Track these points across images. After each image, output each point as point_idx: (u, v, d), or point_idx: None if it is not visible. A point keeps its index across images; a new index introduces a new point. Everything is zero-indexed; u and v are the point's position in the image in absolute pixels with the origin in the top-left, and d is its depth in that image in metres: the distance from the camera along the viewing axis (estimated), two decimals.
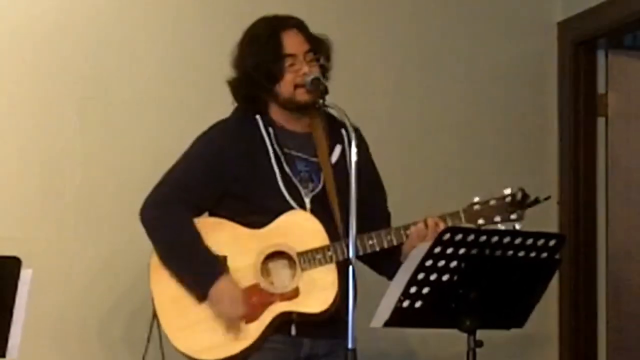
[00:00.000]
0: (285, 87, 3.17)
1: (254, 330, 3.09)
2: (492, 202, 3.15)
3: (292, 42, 3.18)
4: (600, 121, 4.43)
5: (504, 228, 3.14)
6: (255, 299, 3.09)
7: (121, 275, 3.88)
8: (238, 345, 3.08)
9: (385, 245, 3.11)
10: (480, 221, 3.14)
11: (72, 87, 3.93)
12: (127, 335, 3.86)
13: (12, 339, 2.64)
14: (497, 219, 3.14)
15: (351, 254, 2.84)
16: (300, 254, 3.10)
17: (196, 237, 3.14)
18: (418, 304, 2.79)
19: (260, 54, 3.16)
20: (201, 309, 3.11)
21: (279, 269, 3.14)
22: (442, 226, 3.08)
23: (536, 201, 3.15)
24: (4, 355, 2.65)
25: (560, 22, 4.45)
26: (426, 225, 3.09)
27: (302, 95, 3.17)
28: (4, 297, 2.61)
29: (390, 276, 2.86)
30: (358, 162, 2.88)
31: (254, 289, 3.10)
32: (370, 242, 3.10)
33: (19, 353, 2.67)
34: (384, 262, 3.12)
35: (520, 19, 4.42)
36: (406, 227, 3.12)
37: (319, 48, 3.23)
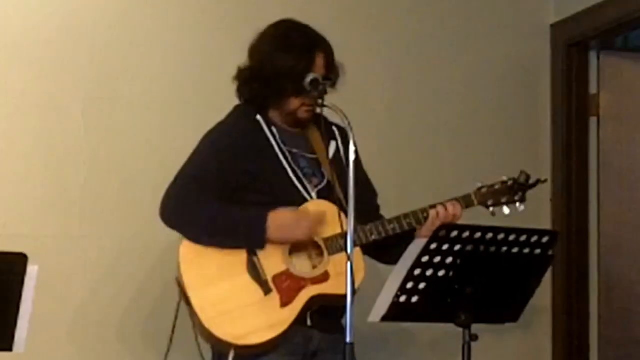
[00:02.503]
0: (293, 103, 3.21)
1: (288, 315, 3.12)
2: (498, 186, 3.27)
3: (319, 65, 3.18)
4: (592, 121, 4.45)
5: (508, 212, 3.24)
6: (287, 285, 3.12)
7: (125, 271, 3.88)
8: (274, 330, 3.11)
9: (406, 228, 3.18)
10: (490, 202, 3.25)
11: (77, 87, 3.94)
12: (135, 330, 3.87)
13: (19, 333, 2.66)
14: (504, 200, 3.25)
15: (349, 250, 2.85)
16: (326, 240, 3.15)
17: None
18: (415, 299, 2.82)
19: (295, 63, 3.15)
20: (237, 296, 3.12)
21: (302, 256, 3.17)
22: (458, 207, 3.19)
23: (537, 182, 3.28)
24: (11, 349, 2.66)
25: (553, 24, 4.48)
26: (445, 208, 3.18)
27: (303, 113, 3.22)
28: (12, 293, 2.63)
29: None
30: (346, 161, 2.89)
31: (285, 274, 3.14)
32: (392, 225, 3.17)
33: (26, 348, 2.68)
34: (394, 250, 3.11)
35: (514, 21, 4.44)
36: (423, 210, 3.19)
37: (333, 76, 3.23)
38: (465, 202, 3.23)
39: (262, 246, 3.13)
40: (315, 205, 3.19)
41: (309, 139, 3.28)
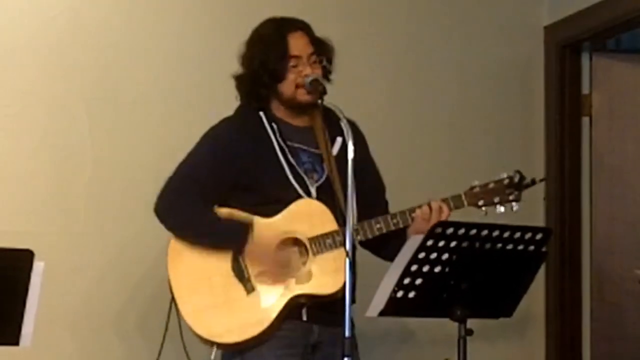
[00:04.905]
0: (287, 87, 3.24)
1: (268, 314, 3.12)
2: (491, 185, 3.23)
3: (297, 44, 3.24)
4: (585, 121, 4.49)
5: (502, 210, 3.20)
6: (270, 284, 3.13)
7: (129, 267, 3.91)
8: (254, 328, 3.11)
9: (392, 228, 3.17)
10: (481, 202, 3.21)
11: (82, 88, 3.97)
12: (139, 324, 3.91)
13: (25, 328, 2.68)
14: (496, 199, 3.21)
15: (348, 246, 2.86)
16: (311, 240, 3.15)
17: (213, 212, 3.19)
18: (411, 295, 2.84)
19: (266, 54, 3.22)
20: (218, 293, 3.14)
21: (291, 255, 3.18)
22: (445, 209, 3.17)
23: (532, 182, 3.24)
24: (17, 344, 2.68)
25: (546, 26, 4.51)
26: (430, 208, 3.17)
27: (302, 96, 3.23)
28: (18, 288, 2.66)
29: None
30: (355, 155, 2.93)
31: (268, 273, 3.14)
32: (378, 225, 3.16)
33: (32, 342, 2.70)
34: (390, 246, 3.15)
35: (509, 23, 4.48)
36: (411, 210, 3.18)
37: (322, 50, 3.29)
38: (454, 202, 3.20)
39: (240, 248, 3.16)
40: (301, 206, 3.18)
41: (315, 134, 3.29)
